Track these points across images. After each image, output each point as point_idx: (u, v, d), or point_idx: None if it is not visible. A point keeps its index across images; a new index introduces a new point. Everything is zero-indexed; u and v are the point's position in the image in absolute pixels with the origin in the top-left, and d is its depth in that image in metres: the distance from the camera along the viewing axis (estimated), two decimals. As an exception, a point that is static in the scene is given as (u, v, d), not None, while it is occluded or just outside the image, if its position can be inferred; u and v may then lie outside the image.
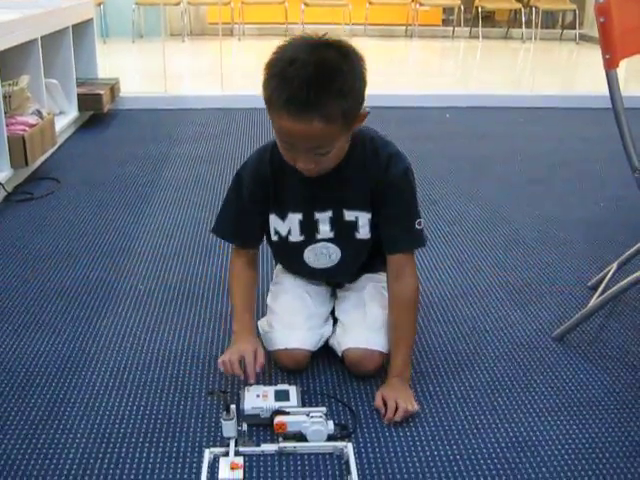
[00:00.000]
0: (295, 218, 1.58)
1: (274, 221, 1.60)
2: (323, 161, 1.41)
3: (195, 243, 2.34)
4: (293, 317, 1.64)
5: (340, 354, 1.62)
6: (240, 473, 1.31)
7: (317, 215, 1.57)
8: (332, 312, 1.72)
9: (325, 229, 1.58)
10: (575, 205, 2.74)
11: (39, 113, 3.03)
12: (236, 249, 1.67)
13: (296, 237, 1.60)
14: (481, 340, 1.79)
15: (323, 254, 1.62)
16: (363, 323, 1.61)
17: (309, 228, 1.59)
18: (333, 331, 1.67)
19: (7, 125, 2.73)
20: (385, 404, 1.48)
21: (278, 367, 1.63)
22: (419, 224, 1.56)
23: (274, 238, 1.63)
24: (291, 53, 1.33)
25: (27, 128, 2.83)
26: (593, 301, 1.81)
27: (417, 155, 3.23)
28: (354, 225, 1.57)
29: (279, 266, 1.80)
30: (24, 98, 2.98)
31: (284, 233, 1.60)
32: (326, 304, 1.73)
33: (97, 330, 1.80)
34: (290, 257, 1.69)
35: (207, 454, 1.35)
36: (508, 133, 3.77)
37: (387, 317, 1.61)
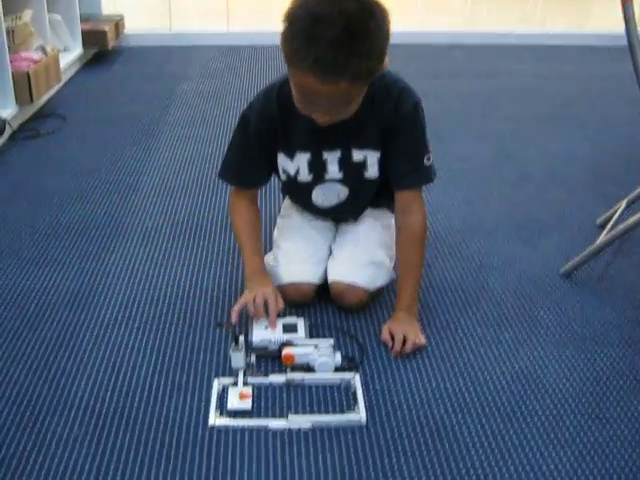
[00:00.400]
0: (304, 157, 1.56)
1: (282, 160, 1.58)
2: (340, 113, 1.39)
3: (203, 179, 2.33)
4: (299, 251, 1.65)
5: (329, 285, 1.63)
6: (248, 403, 1.33)
7: (326, 155, 1.55)
8: None
9: (334, 169, 1.57)
10: (585, 143, 2.71)
11: (43, 49, 2.99)
12: (237, 190, 1.65)
13: (305, 177, 1.59)
14: (488, 276, 1.79)
15: (332, 194, 1.62)
16: (351, 258, 1.61)
17: (318, 168, 1.57)
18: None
19: (11, 61, 2.69)
20: (392, 338, 1.50)
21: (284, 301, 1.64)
22: (428, 159, 1.55)
23: (283, 177, 1.62)
24: (314, 7, 1.25)
25: (31, 64, 2.80)
26: (601, 238, 1.80)
27: (425, 93, 3.14)
28: (362, 164, 1.56)
29: (287, 200, 1.80)
30: (28, 33, 2.94)
31: (292, 173, 1.59)
32: (330, 239, 1.73)
33: (105, 265, 1.81)
34: (298, 195, 1.69)
35: (216, 384, 1.38)
36: (517, 71, 3.71)
37: (395, 252, 1.62)
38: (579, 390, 1.40)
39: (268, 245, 1.79)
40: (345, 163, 1.56)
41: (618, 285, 1.76)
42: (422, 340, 1.50)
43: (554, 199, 2.23)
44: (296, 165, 1.58)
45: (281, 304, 1.52)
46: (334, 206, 1.65)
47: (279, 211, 1.85)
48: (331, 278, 1.62)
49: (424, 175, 1.56)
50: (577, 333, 1.58)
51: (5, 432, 1.27)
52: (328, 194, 1.62)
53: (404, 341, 1.48)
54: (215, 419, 1.29)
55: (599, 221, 2.06)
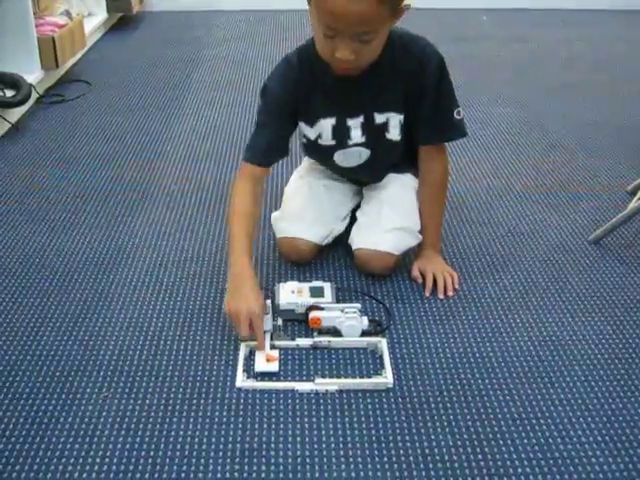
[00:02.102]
0: (328, 124, 1.55)
1: (303, 127, 1.58)
2: (364, 52, 1.36)
3: (228, 144, 2.32)
4: (303, 209, 1.64)
5: (353, 252, 1.62)
6: (276, 365, 1.33)
7: (349, 122, 1.55)
8: (355, 211, 1.72)
9: (357, 134, 1.56)
10: (616, 109, 2.66)
11: (68, 14, 2.98)
12: (243, 169, 1.57)
13: (327, 141, 1.58)
14: (516, 242, 1.77)
15: (354, 156, 1.61)
16: (376, 224, 1.60)
17: (341, 134, 1.57)
18: (350, 229, 1.66)
19: (36, 26, 2.69)
20: (423, 276, 1.54)
21: (283, 259, 1.66)
22: (458, 114, 1.54)
23: (303, 140, 1.62)
24: None
25: (56, 29, 2.79)
26: (631, 205, 1.78)
27: (452, 57, 3.10)
28: (385, 126, 1.55)
29: (306, 161, 1.80)
30: (52, -2, 2.93)
31: (313, 137, 1.58)
32: (346, 203, 1.73)
33: (132, 229, 1.81)
34: (319, 155, 1.69)
35: (243, 347, 1.38)
36: (547, 36, 3.64)
37: (418, 192, 1.64)
38: (607, 357, 1.39)
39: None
40: (368, 127, 1.55)
41: (648, 252, 1.74)
42: (453, 272, 1.55)
43: (584, 166, 2.19)
44: (317, 131, 1.57)
45: (268, 325, 1.41)
46: (354, 167, 1.64)
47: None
48: (355, 246, 1.61)
49: (457, 129, 1.56)
50: (606, 300, 1.56)
51: (35, 392, 1.28)
52: (350, 157, 1.61)
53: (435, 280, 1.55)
54: (242, 381, 1.30)
55: (630, 188, 2.02)
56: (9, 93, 2.43)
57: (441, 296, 1.54)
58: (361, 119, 1.54)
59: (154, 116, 2.56)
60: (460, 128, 1.56)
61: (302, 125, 1.58)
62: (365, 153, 1.60)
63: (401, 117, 1.54)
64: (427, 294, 1.55)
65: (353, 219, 1.70)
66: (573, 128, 2.48)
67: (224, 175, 2.10)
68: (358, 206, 1.73)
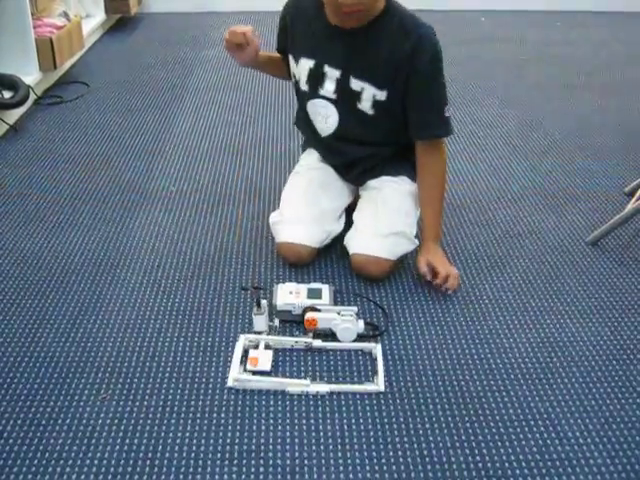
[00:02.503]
0: (306, 65, 1.59)
1: (291, 63, 1.66)
2: None
3: (226, 145, 2.32)
4: (301, 212, 1.65)
5: (350, 256, 1.62)
6: (267, 364, 1.33)
7: (326, 68, 1.57)
8: (350, 210, 1.72)
9: (329, 88, 1.59)
10: (614, 111, 2.66)
11: (66, 15, 2.97)
12: None
13: (303, 86, 1.63)
14: (514, 243, 1.78)
15: (320, 114, 1.63)
16: (372, 229, 1.60)
17: (315, 79, 1.60)
18: (347, 232, 1.66)
19: (34, 27, 2.69)
20: (432, 270, 1.56)
21: (281, 259, 1.67)
22: (447, 111, 1.55)
23: (292, 80, 1.68)
24: None
25: (54, 30, 2.79)
26: (629, 207, 1.78)
27: (451, 58, 3.12)
28: (357, 95, 1.57)
29: (303, 156, 1.81)
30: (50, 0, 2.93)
31: (296, 77, 1.65)
32: (341, 199, 1.73)
33: (130, 230, 1.81)
34: (301, 108, 1.72)
35: (242, 339, 1.39)
36: (545, 37, 3.64)
37: (417, 185, 1.64)
38: (605, 358, 1.39)
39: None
40: (341, 86, 1.57)
41: (646, 254, 1.74)
42: (455, 271, 1.57)
43: (581, 167, 2.19)
44: (299, 72, 1.62)
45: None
46: (330, 139, 1.66)
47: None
48: (352, 251, 1.61)
49: (445, 126, 1.57)
50: (604, 301, 1.56)
51: (33, 393, 1.28)
52: (316, 113, 1.64)
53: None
54: (238, 374, 1.30)
55: (627, 189, 2.03)
56: (7, 94, 2.43)
57: (444, 290, 1.56)
58: (337, 74, 1.56)
59: (152, 117, 2.55)
60: (448, 126, 1.57)
61: (291, 59, 1.65)
62: (333, 117, 1.61)
63: (377, 92, 1.55)
64: (442, 289, 1.56)
65: (349, 220, 1.70)
66: (571, 129, 2.48)
67: (222, 176, 2.10)
68: (354, 204, 1.73)
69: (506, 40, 3.60)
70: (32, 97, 2.60)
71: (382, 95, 1.54)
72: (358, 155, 1.68)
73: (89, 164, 2.18)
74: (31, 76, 2.64)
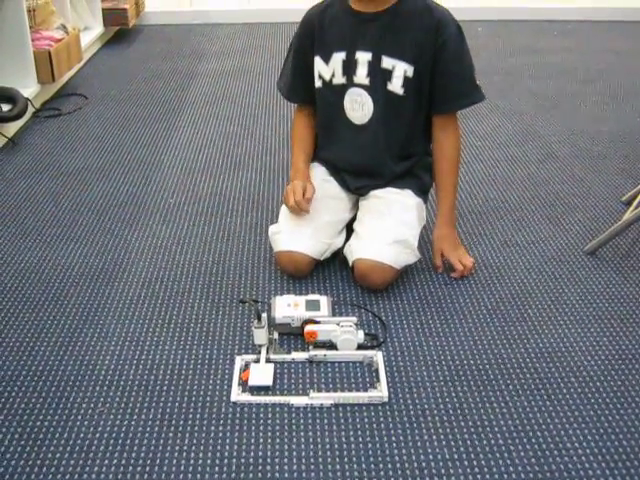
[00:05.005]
0: (339, 58, 1.62)
1: (318, 64, 1.65)
2: None
3: (224, 157, 2.33)
4: (302, 223, 1.64)
5: (351, 264, 1.62)
6: (270, 379, 1.33)
7: (358, 55, 1.60)
8: (351, 224, 1.72)
9: (362, 73, 1.61)
10: (609, 119, 2.66)
11: (64, 28, 2.98)
12: (298, 107, 1.80)
13: (339, 79, 1.64)
14: (512, 253, 1.78)
15: (357, 102, 1.64)
16: (376, 235, 1.60)
17: (349, 68, 1.62)
18: (348, 240, 1.67)
19: (32, 40, 2.69)
20: (443, 260, 1.67)
21: (279, 270, 1.68)
22: (477, 80, 1.65)
23: (318, 84, 1.67)
24: None
25: (53, 43, 2.79)
26: (627, 215, 1.78)
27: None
28: (389, 74, 1.59)
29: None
30: (49, 12, 2.94)
31: (328, 77, 1.65)
32: (343, 214, 1.73)
33: (128, 243, 1.81)
34: (332, 108, 1.69)
35: (238, 361, 1.38)
36: (542, 46, 3.65)
37: (433, 164, 1.71)
38: (604, 368, 1.39)
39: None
40: (373, 68, 1.60)
41: (644, 263, 1.74)
42: (471, 260, 1.68)
43: (579, 176, 2.20)
44: (332, 68, 1.64)
45: (310, 191, 1.61)
46: (360, 126, 1.66)
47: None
48: (355, 256, 1.60)
49: (479, 92, 1.65)
50: (602, 310, 1.56)
51: (31, 407, 1.28)
52: (354, 102, 1.65)
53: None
54: (237, 395, 1.30)
55: (625, 198, 2.03)
56: (5, 107, 2.43)
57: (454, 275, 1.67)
58: (369, 56, 1.59)
59: (151, 129, 2.56)
60: (480, 91, 1.65)
61: (319, 64, 1.66)
62: (367, 105, 1.63)
63: (407, 68, 1.58)
64: (458, 276, 1.67)
65: (349, 233, 1.70)
66: (568, 138, 2.49)
67: (220, 188, 2.11)
68: (353, 219, 1.73)
69: (502, 49, 3.62)
70: (30, 110, 2.61)
71: (410, 71, 1.58)
72: (382, 155, 1.69)
73: (87, 176, 2.18)
74: (29, 89, 2.64)
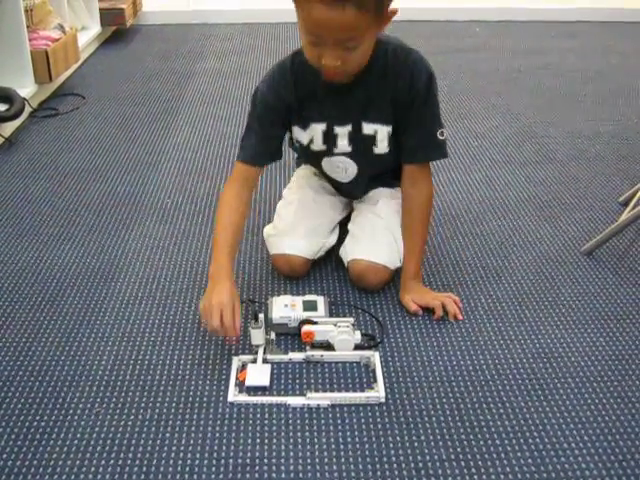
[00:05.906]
0: (318, 128, 1.55)
1: (296, 131, 1.57)
2: (350, 59, 1.34)
3: (221, 157, 2.33)
4: (295, 224, 1.64)
5: (346, 265, 1.62)
6: (266, 380, 1.33)
7: (337, 129, 1.54)
8: (345, 223, 1.72)
9: (343, 144, 1.56)
10: (608, 120, 2.67)
11: (62, 28, 2.98)
12: (236, 169, 1.56)
13: (318, 146, 1.58)
14: (509, 254, 1.78)
15: (339, 168, 1.61)
16: (372, 236, 1.60)
17: (329, 138, 1.56)
18: (343, 241, 1.66)
19: (30, 40, 2.69)
20: (422, 307, 1.53)
21: (275, 272, 1.67)
22: (442, 134, 1.52)
23: (296, 145, 1.62)
24: None
25: (50, 43, 2.79)
26: (624, 216, 1.78)
27: (445, 69, 3.15)
28: (372, 139, 1.54)
29: (298, 171, 1.81)
30: (46, 12, 2.94)
31: (305, 142, 1.58)
32: (335, 212, 1.73)
33: (125, 243, 1.81)
34: (311, 161, 1.71)
35: (235, 361, 1.38)
36: (539, 47, 3.66)
37: (401, 221, 1.60)
38: (600, 369, 1.39)
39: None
40: (355, 137, 1.54)
41: (641, 264, 1.75)
42: (454, 297, 1.56)
43: (576, 177, 2.20)
44: (310, 135, 1.56)
45: (237, 318, 1.35)
46: (343, 182, 1.65)
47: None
48: (351, 257, 1.60)
49: (439, 149, 1.54)
50: (599, 311, 1.56)
51: (27, 407, 1.28)
52: (335, 168, 1.62)
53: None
54: (234, 395, 1.30)
55: (622, 199, 2.03)
56: (2, 107, 2.43)
57: (454, 319, 1.53)
58: (349, 128, 1.54)
59: (148, 129, 2.56)
60: (442, 148, 1.54)
61: (295, 129, 1.57)
62: (352, 168, 1.60)
63: (389, 129, 1.53)
64: (452, 318, 1.53)
65: (343, 232, 1.70)
66: (565, 139, 2.49)
67: (217, 188, 2.10)
68: (347, 218, 1.73)
69: (500, 50, 3.62)
70: (27, 110, 2.60)
71: (391, 128, 1.53)
72: (363, 190, 1.70)
73: (84, 176, 2.18)
74: (26, 89, 2.64)
